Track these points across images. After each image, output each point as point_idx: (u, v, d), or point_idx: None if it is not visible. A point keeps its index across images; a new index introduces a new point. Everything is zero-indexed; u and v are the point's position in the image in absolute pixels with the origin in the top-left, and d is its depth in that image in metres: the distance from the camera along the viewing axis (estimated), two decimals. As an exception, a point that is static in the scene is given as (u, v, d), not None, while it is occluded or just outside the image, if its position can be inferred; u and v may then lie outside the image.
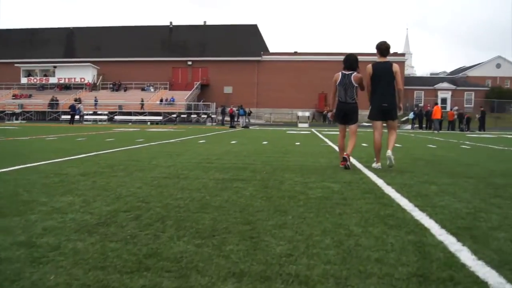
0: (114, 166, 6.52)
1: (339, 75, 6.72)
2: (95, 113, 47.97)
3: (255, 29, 66.96)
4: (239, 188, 4.67)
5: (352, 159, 7.55)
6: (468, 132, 31.13)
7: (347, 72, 6.69)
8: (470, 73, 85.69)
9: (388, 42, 6.74)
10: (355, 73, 6.67)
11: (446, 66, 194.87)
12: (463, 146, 13.05)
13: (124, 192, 4.37)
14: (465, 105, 64.69)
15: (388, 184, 5.07)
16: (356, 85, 6.64)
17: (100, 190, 4.50)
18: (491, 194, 4.56)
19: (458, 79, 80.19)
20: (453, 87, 73.78)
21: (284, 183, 5.09)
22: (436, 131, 28.97)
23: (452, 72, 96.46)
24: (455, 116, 34.22)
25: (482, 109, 35.62)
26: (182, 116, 49.67)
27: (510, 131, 33.80)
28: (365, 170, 6.35)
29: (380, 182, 5.23)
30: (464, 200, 4.16)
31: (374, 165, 6.67)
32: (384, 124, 6.83)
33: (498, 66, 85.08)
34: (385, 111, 6.62)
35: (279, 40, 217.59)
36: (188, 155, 8.40)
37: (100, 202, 3.90)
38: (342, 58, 6.91)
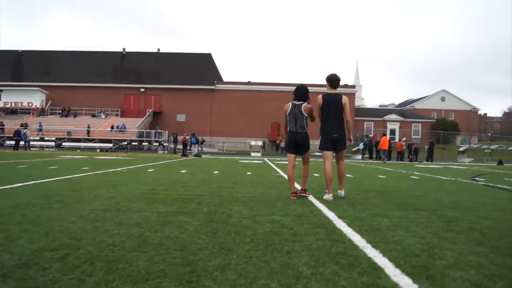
0: (50, 196, 6.05)
1: (289, 105, 6.76)
2: (42, 139, 46.15)
3: (209, 58, 67.19)
4: (183, 223, 4.36)
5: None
6: (416, 162, 31.91)
7: (297, 102, 6.73)
8: (417, 105, 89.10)
9: (338, 74, 6.87)
10: (305, 103, 6.71)
11: (394, 98, 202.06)
12: (412, 177, 13.20)
13: (55, 227, 3.97)
14: (412, 136, 66.80)
15: (340, 217, 4.89)
16: (306, 115, 6.67)
17: (29, 224, 4.07)
18: (443, 228, 4.45)
19: (406, 111, 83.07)
20: (401, 118, 76.32)
21: (231, 216, 4.82)
22: (382, 161, 29.59)
23: (400, 104, 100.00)
24: (404, 147, 35.09)
25: (430, 140, 36.79)
26: (133, 143, 48.59)
27: (454, 162, 34.93)
28: (316, 202, 6.16)
29: (331, 215, 5.05)
30: (417, 235, 4.02)
31: (326, 196, 6.60)
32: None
33: (443, 99, 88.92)
34: (334, 141, 6.71)
35: (232, 70, 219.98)
36: (133, 185, 7.99)
37: (25, 239, 3.50)
38: (294, 88, 6.92)
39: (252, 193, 7.13)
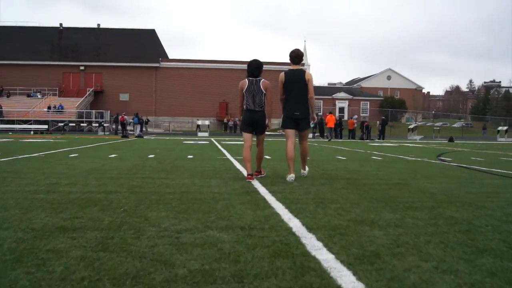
0: None
1: (245, 82, 6.33)
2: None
3: (153, 34, 63.94)
4: (55, 252, 2.57)
5: (254, 181, 5.77)
6: (368, 140, 31.01)
7: (254, 78, 6.31)
8: (364, 84, 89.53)
9: (301, 50, 6.53)
10: (263, 79, 6.34)
11: (342, 77, 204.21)
12: (374, 157, 11.84)
13: None
14: (361, 114, 66.57)
15: (310, 229, 3.23)
16: (264, 91, 6.26)
17: None
18: (469, 245, 2.89)
19: (354, 89, 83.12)
20: (350, 96, 76.18)
21: (142, 233, 3.06)
22: (327, 139, 28.65)
23: (348, 83, 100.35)
24: (355, 125, 34.13)
25: (383, 117, 36.03)
26: (71, 125, 45.43)
27: (405, 139, 34.38)
28: (272, 200, 4.50)
29: (295, 224, 3.40)
30: (441, 267, 2.42)
31: (288, 177, 6.18)
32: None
33: (389, 78, 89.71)
34: (297, 119, 6.37)
35: (179, 48, 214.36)
36: (31, 179, 6.03)
37: None
38: (244, 66, 6.50)
39: (186, 187, 5.38)
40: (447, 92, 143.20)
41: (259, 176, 6.53)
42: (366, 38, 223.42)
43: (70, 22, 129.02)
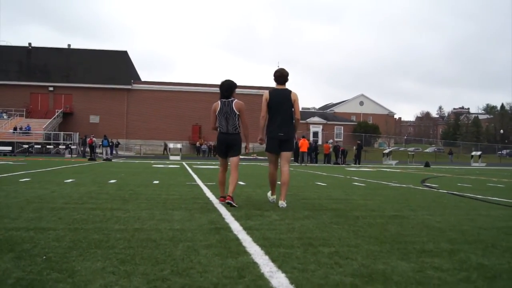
0: None
1: (218, 104, 6.06)
2: None
3: (125, 55, 62.75)
4: None
5: (226, 214, 4.81)
6: (344, 165, 30.34)
7: (227, 100, 6.01)
8: (337, 109, 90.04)
9: (286, 69, 6.19)
10: (236, 100, 6.04)
11: (315, 102, 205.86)
12: (356, 183, 10.99)
13: None
14: (335, 138, 66.33)
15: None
16: (237, 113, 5.97)
17: None
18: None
19: (328, 114, 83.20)
20: (323, 121, 76.05)
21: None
22: (300, 164, 27.89)
23: (321, 108, 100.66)
24: (331, 149, 33.46)
25: (359, 142, 35.40)
26: (37, 146, 43.57)
27: (381, 164, 33.88)
28: (247, 241, 3.52)
29: (282, 283, 2.43)
30: None
31: (270, 198, 6.34)
32: None
33: (361, 103, 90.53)
34: (281, 141, 6.02)
35: (152, 70, 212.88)
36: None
37: None
38: (216, 90, 6.28)
39: (141, 222, 4.35)
40: (417, 118, 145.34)
41: (231, 202, 5.66)
42: (338, 65, 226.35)
43: (39, 42, 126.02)
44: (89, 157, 31.00)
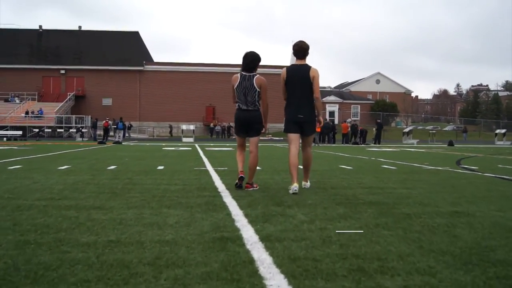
0: None
1: (237, 77, 5.62)
2: None
3: (136, 36, 61.53)
4: None
5: (237, 214, 3.69)
6: (364, 145, 29.00)
7: (247, 74, 5.55)
8: (353, 88, 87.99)
9: (306, 42, 5.64)
10: (258, 75, 5.59)
11: (331, 81, 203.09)
12: (385, 166, 9.79)
13: None
14: (352, 118, 64.75)
15: None
16: (258, 89, 5.51)
17: None
18: None
19: (344, 92, 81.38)
20: (340, 100, 74.37)
21: None
22: (316, 144, 26.76)
23: (337, 87, 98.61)
24: (349, 129, 32.09)
25: (378, 121, 33.89)
26: (47, 130, 42.91)
27: (401, 144, 32.48)
28: (266, 264, 2.38)
29: None
30: None
31: (291, 188, 5.24)
32: None
33: (378, 82, 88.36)
34: (301, 123, 5.52)
35: (166, 53, 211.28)
36: None
37: None
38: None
39: (121, 230, 3.22)
40: (435, 95, 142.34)
41: (251, 188, 5.56)
42: (352, 43, 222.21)
43: (50, 25, 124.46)
44: (99, 141, 30.12)
